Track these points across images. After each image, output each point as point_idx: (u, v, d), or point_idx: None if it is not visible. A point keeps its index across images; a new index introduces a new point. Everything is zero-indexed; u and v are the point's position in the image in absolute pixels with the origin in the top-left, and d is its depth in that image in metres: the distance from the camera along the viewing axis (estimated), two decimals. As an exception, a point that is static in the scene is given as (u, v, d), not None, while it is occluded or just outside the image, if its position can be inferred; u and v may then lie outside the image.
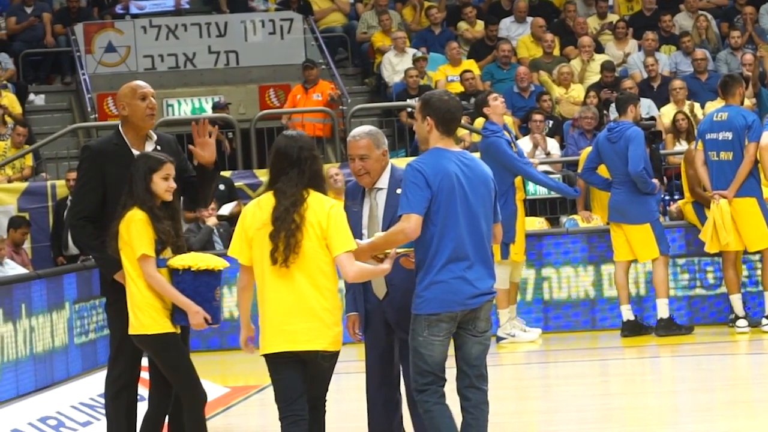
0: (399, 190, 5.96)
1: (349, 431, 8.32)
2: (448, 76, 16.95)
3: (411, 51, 17.46)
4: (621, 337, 11.86)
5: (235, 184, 13.86)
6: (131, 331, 6.28)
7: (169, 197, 6.31)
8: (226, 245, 13.28)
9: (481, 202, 5.86)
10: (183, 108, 17.31)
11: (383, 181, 6.15)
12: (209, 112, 16.54)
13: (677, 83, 15.55)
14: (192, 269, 6.22)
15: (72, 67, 18.05)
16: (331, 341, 5.71)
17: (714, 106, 14.08)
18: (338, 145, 15.42)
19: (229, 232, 13.37)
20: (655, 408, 8.79)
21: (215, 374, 11.01)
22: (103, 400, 6.64)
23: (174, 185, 6.31)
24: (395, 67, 17.29)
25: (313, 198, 5.65)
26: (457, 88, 16.50)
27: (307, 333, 5.63)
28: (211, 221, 13.26)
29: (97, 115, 16.20)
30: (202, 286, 6.22)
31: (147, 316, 6.23)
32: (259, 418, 9.40)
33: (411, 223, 5.69)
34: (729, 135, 11.65)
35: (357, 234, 6.01)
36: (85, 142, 13.41)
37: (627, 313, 11.83)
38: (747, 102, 13.24)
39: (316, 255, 5.61)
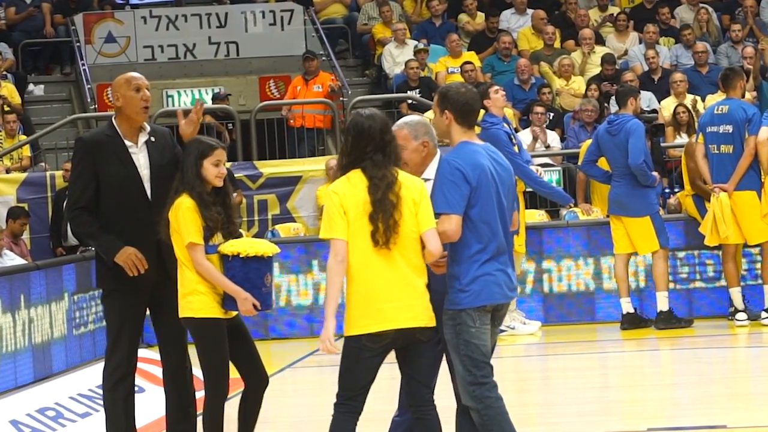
0: None
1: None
2: (448, 67, 16.90)
3: (412, 43, 17.41)
4: (620, 330, 11.83)
5: (235, 175, 13.80)
6: (181, 314, 6.29)
7: (219, 183, 6.28)
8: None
9: (507, 195, 5.89)
10: (183, 99, 17.24)
11: (430, 172, 6.06)
12: (209, 103, 16.48)
13: (678, 76, 15.50)
14: (240, 255, 6.18)
15: (71, 57, 17.98)
16: (430, 316, 5.68)
17: (715, 99, 14.05)
18: (338, 137, 15.36)
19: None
20: (655, 401, 8.77)
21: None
22: (101, 392, 6.62)
23: (224, 171, 6.30)
24: (396, 58, 17.24)
25: (403, 177, 5.65)
26: (458, 80, 16.40)
27: (409, 310, 5.59)
28: None
29: (96, 106, 16.11)
30: (252, 272, 6.17)
31: (197, 300, 6.24)
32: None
33: (453, 225, 5.66)
34: (729, 128, 11.61)
35: None
36: (84, 132, 13.39)
37: (626, 305, 11.81)
38: (748, 95, 13.19)
39: (411, 234, 5.61)
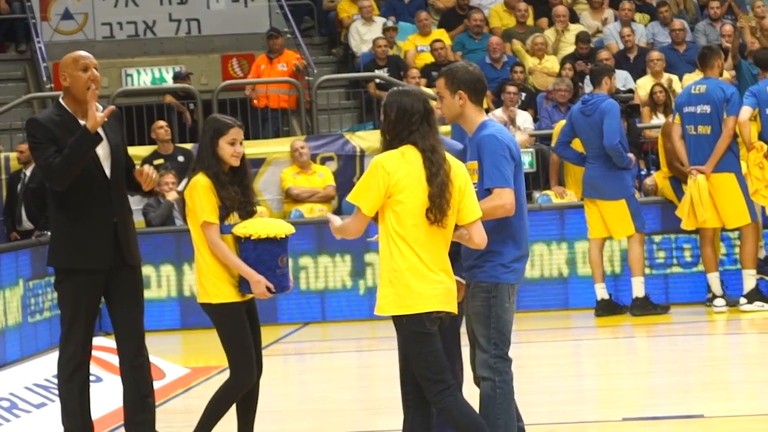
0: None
1: (314, 414, 8.05)
2: (417, 46, 16.67)
3: (379, 20, 17.18)
4: (595, 317, 11.73)
5: None
6: (198, 299, 6.32)
7: (235, 162, 6.26)
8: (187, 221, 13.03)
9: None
10: (143, 78, 17.10)
11: None
12: (170, 82, 16.28)
13: (655, 54, 15.33)
14: (252, 237, 6.16)
15: (27, 34, 17.67)
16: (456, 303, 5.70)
17: (692, 78, 13.89)
18: (304, 117, 15.15)
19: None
20: (630, 390, 8.65)
21: (175, 354, 10.79)
22: (57, 381, 6.53)
23: (241, 150, 6.28)
24: (363, 36, 16.99)
25: (450, 159, 5.61)
26: (427, 58, 16.21)
27: (450, 294, 5.58)
28: (171, 196, 12.99)
29: (52, 85, 15.87)
30: (265, 254, 6.17)
31: (212, 285, 6.23)
32: (220, 401, 9.09)
33: (511, 198, 5.73)
34: (707, 108, 11.46)
35: None
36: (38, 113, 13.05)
37: (601, 291, 11.69)
38: (726, 74, 13.01)
39: (451, 220, 5.58)
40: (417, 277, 5.47)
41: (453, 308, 5.57)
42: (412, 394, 5.62)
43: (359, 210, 5.49)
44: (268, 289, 6.20)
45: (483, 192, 5.74)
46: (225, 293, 6.23)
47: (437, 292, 5.48)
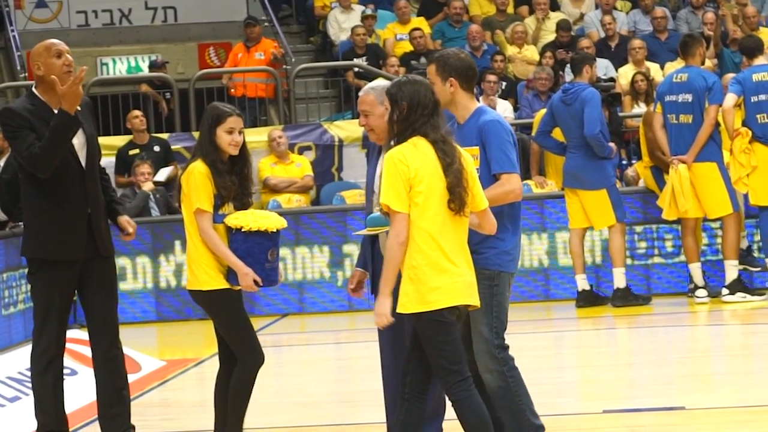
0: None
1: (292, 406, 7.96)
2: (396, 34, 16.59)
3: (358, 8, 17.10)
4: (576, 308, 11.67)
5: (172, 147, 13.52)
6: (188, 286, 6.27)
7: (233, 151, 6.21)
8: (163, 211, 12.92)
9: None
10: (118, 67, 17.02)
11: None
12: (146, 71, 16.14)
13: (636, 43, 15.27)
14: (243, 229, 6.13)
15: (0, 23, 17.50)
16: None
17: (674, 66, 13.81)
18: (281, 106, 15.05)
19: (166, 198, 12.90)
20: (611, 381, 8.58)
21: (151, 347, 10.69)
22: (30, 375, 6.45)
23: (240, 139, 6.22)
24: (342, 24, 16.89)
25: (457, 147, 5.56)
26: (406, 47, 16.12)
27: (472, 287, 5.49)
28: (147, 186, 12.87)
29: (27, 75, 15.74)
30: (254, 247, 6.14)
31: (203, 272, 6.18)
32: (197, 393, 9.10)
33: (520, 183, 5.77)
34: (689, 97, 11.40)
35: (369, 191, 5.98)
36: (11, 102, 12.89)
37: (582, 282, 11.63)
38: (708, 63, 12.94)
39: (470, 206, 5.51)
40: (437, 271, 5.39)
41: (474, 301, 5.47)
42: (411, 386, 5.51)
43: (396, 213, 5.37)
44: (256, 282, 6.15)
45: (487, 177, 5.72)
46: (216, 280, 6.18)
47: (458, 285, 5.41)
